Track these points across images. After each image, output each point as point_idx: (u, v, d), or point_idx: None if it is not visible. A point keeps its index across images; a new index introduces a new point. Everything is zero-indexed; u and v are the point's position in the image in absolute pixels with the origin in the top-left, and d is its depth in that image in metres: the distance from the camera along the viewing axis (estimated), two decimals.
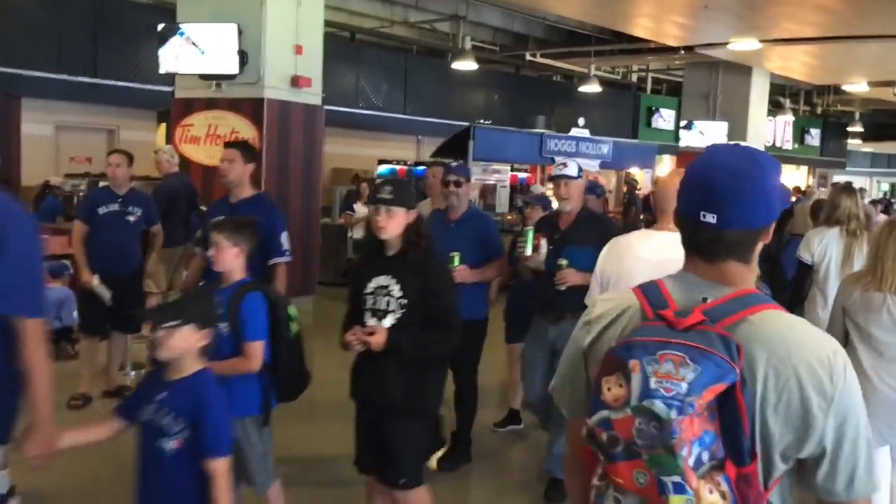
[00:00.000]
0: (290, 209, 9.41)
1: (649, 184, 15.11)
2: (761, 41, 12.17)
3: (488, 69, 18.95)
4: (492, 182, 12.99)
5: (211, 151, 9.62)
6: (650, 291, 1.49)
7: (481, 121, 17.29)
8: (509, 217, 12.90)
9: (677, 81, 22.28)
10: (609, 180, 16.63)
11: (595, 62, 17.98)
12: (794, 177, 26.16)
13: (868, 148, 31.02)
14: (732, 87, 18.05)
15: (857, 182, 30.81)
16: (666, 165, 22.06)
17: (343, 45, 15.67)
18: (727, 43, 12.51)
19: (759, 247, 1.50)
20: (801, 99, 24.46)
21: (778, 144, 22.92)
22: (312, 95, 9.82)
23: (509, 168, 13.45)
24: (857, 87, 17.11)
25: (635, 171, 16.31)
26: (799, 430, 1.35)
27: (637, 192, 14.10)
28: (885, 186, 34.72)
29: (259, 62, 9.23)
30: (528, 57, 18.12)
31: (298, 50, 9.51)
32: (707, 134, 18.17)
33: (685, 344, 1.30)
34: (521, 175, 15.64)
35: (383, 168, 13.75)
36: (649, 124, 22.45)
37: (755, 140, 18.28)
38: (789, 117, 22.75)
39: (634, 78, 22.99)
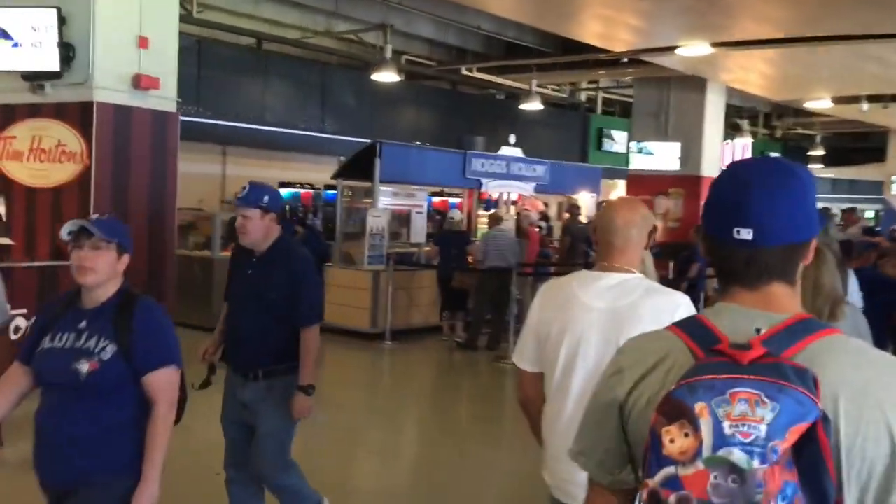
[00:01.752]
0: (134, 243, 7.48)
1: (594, 211, 13.42)
2: (714, 45, 10.60)
3: (421, 85, 17.36)
4: (404, 207, 11.18)
5: (36, 169, 7.74)
6: (693, 328, 1.33)
7: (419, 143, 15.73)
8: (426, 249, 11.08)
9: (630, 102, 20.83)
10: (550, 207, 14.95)
11: (537, 77, 16.45)
12: None
13: (829, 173, 30.11)
14: (685, 106, 16.51)
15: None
16: (619, 191, 20.63)
17: (248, 54, 13.88)
18: (677, 47, 10.91)
19: (801, 268, 1.35)
20: (759, 121, 23.30)
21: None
22: (162, 100, 7.95)
23: (426, 192, 11.68)
24: (821, 103, 15.73)
25: (584, 197, 14.61)
26: (890, 468, 1.19)
27: (578, 219, 12.37)
28: (870, 213, 33.59)
29: (88, 57, 7.36)
30: (464, 71, 16.48)
31: (142, 43, 7.65)
32: (658, 155, 16.62)
33: (758, 379, 1.15)
34: (453, 200, 13.86)
35: (284, 192, 11.89)
36: (600, 147, 21.02)
37: (709, 163, 16.73)
38: (747, 140, 21.40)
39: (584, 98, 21.54)
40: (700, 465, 1.12)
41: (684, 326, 1.35)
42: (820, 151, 23.52)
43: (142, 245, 7.77)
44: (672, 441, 1.16)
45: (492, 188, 11.95)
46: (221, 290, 8.81)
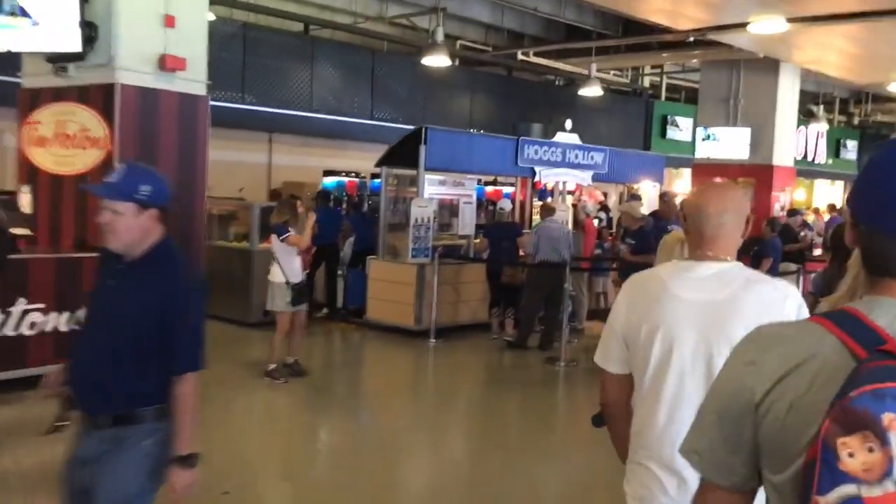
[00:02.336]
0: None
1: (655, 201, 12.56)
2: (790, 20, 9.70)
3: (475, 71, 16.71)
4: (452, 197, 10.55)
5: (60, 156, 7.40)
6: (849, 323, 1.15)
7: (473, 130, 15.11)
8: (476, 241, 10.45)
9: (695, 87, 19.83)
10: (610, 198, 14.16)
11: (597, 61, 15.64)
12: (828, 193, 23.75)
13: None
14: (756, 90, 15.53)
15: None
16: (685, 181, 19.67)
17: (295, 39, 13.42)
18: (748, 24, 10.02)
19: None
20: (835, 108, 22.09)
21: (810, 158, 20.41)
22: (191, 82, 7.50)
23: (476, 181, 11.02)
24: None
25: (647, 187, 13.76)
26: None
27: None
28: None
29: (110, 37, 6.94)
30: (521, 56, 15.80)
31: (169, 21, 7.22)
32: (726, 143, 15.69)
33: None
34: (506, 190, 13.17)
35: (329, 181, 11.40)
36: (664, 135, 20.08)
37: (783, 151, 15.74)
38: (823, 127, 20.26)
39: (647, 84, 20.60)
40: (890, 487, 1.00)
41: (838, 320, 1.17)
42: None
43: (172, 231, 7.35)
44: (852, 455, 1.02)
45: (546, 177, 11.23)
46: (261, 284, 8.51)
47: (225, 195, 11.40)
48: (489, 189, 13.54)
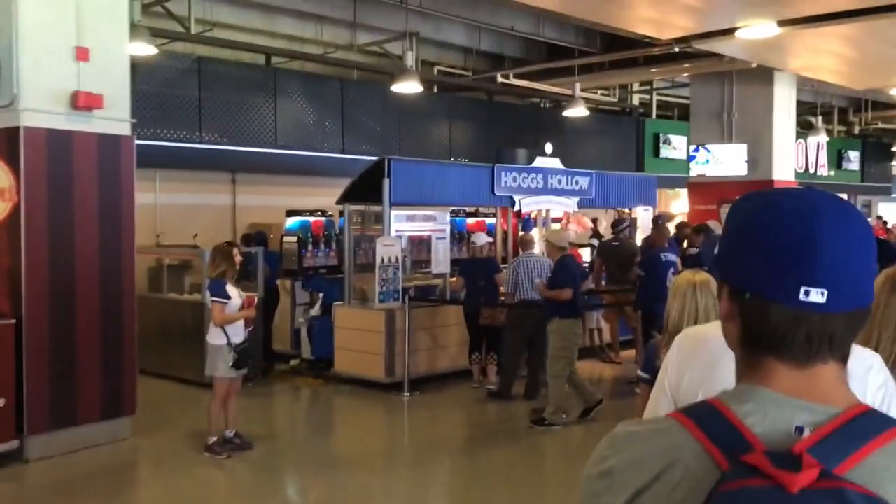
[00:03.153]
0: (79, 290, 6.29)
1: (648, 226, 11.69)
2: (780, 23, 8.88)
3: (453, 97, 15.93)
4: (423, 233, 9.66)
5: None
6: (710, 422, 0.96)
7: (452, 159, 14.27)
8: (452, 280, 9.54)
9: (688, 103, 19.04)
10: (600, 223, 13.26)
11: (581, 80, 14.87)
12: None
13: None
14: (751, 102, 14.73)
15: None
16: (683, 201, 18.81)
17: (256, 72, 12.64)
18: (737, 29, 9.20)
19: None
20: (834, 118, 21.30)
21: (811, 171, 19.57)
22: (111, 121, 6.68)
23: (450, 213, 10.13)
24: None
25: (639, 211, 12.86)
26: None
27: (620, 236, 10.56)
28: None
29: (12, 74, 6.13)
30: (500, 79, 15.01)
31: (81, 55, 6.41)
32: (721, 160, 14.86)
33: None
34: (490, 221, 12.29)
35: (292, 221, 10.52)
36: (657, 154, 19.22)
37: (783, 165, 14.89)
38: (823, 138, 19.48)
39: (637, 102, 19.81)
40: None
41: (698, 417, 0.97)
42: None
43: (94, 289, 6.50)
44: None
45: (527, 205, 10.36)
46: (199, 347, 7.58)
47: (182, 242, 10.55)
48: (470, 221, 12.64)
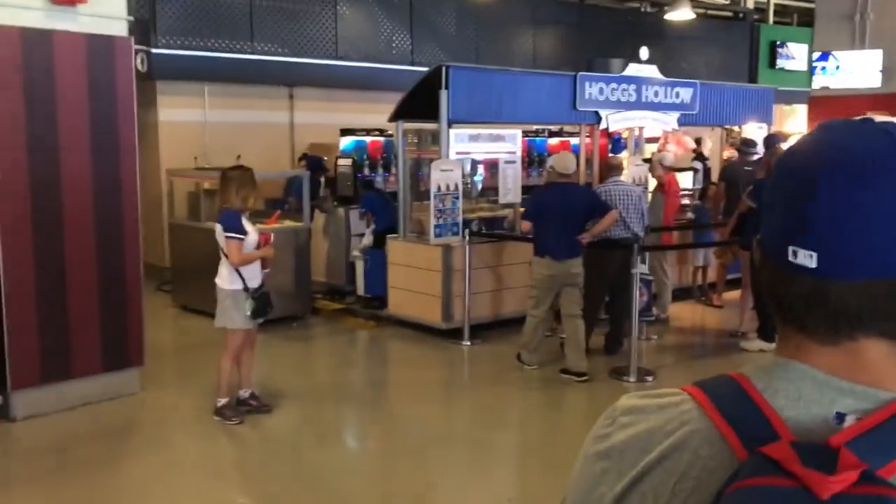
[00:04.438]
0: (68, 223, 5.34)
1: (762, 149, 9.96)
2: None
3: (539, 0, 14.20)
4: (490, 156, 8.29)
5: None
6: (729, 398, 0.80)
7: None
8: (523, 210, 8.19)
9: (809, 8, 16.71)
10: (705, 143, 11.52)
11: None
12: None
13: None
14: (891, 1, 12.46)
15: None
16: (800, 119, 16.70)
17: None
18: None
19: None
20: None
21: None
22: (101, 19, 5.55)
23: (519, 133, 8.66)
24: None
25: (752, 129, 11.05)
26: None
27: (746, 158, 8.84)
28: None
29: None
30: None
31: None
32: (851, 70, 12.76)
33: None
34: (574, 141, 10.78)
35: (347, 142, 9.33)
36: (772, 65, 17.04)
37: None
38: None
39: (751, 5, 17.53)
40: None
41: (715, 393, 0.81)
42: None
43: (87, 222, 5.53)
44: None
45: (615, 122, 8.81)
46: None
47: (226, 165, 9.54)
48: (553, 142, 11.16)
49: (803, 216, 0.78)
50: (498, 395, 6.34)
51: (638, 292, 6.54)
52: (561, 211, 6.39)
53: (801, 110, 16.20)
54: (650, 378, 6.45)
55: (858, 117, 0.85)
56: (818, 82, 13.33)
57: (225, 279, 5.40)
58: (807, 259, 0.78)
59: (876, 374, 0.78)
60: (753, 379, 0.81)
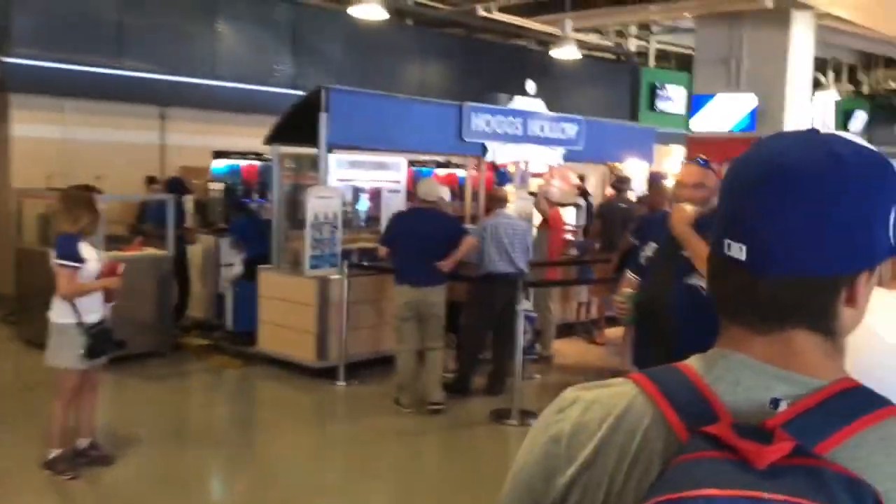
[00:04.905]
0: None
1: (643, 185, 10.03)
2: None
3: (429, 33, 14.06)
4: (371, 184, 7.93)
5: None
6: (673, 385, 0.87)
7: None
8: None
9: (688, 54, 17.34)
10: (588, 180, 11.55)
11: (573, 17, 13.04)
12: None
13: None
14: (763, 48, 12.97)
15: None
16: (675, 158, 17.17)
17: None
18: None
19: (844, 311, 0.86)
20: (843, 76, 19.78)
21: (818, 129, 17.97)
22: None
23: (405, 161, 8.33)
24: None
25: (634, 167, 11.15)
26: None
27: (624, 196, 8.84)
28: None
29: None
30: (481, 11, 13.17)
31: None
32: (727, 112, 13.16)
33: (787, 500, 0.71)
34: (462, 174, 10.56)
35: (220, 164, 8.76)
36: (652, 106, 17.48)
37: (796, 122, 13.18)
38: (832, 96, 17.99)
39: (633, 48, 18.02)
40: None
41: (660, 380, 0.87)
42: None
43: None
44: None
45: (502, 155, 8.63)
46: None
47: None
48: (440, 172, 10.92)
49: (738, 212, 0.85)
50: (372, 442, 5.89)
51: (522, 329, 6.29)
52: (420, 236, 6.14)
53: (677, 150, 16.67)
54: (533, 422, 6.16)
55: (805, 128, 0.91)
56: (697, 124, 13.70)
57: (55, 311, 4.77)
58: (738, 251, 0.84)
59: (808, 364, 0.85)
60: (697, 367, 0.87)
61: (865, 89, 21.75)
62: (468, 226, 7.63)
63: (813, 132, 0.90)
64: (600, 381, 0.93)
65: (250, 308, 7.52)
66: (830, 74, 17.93)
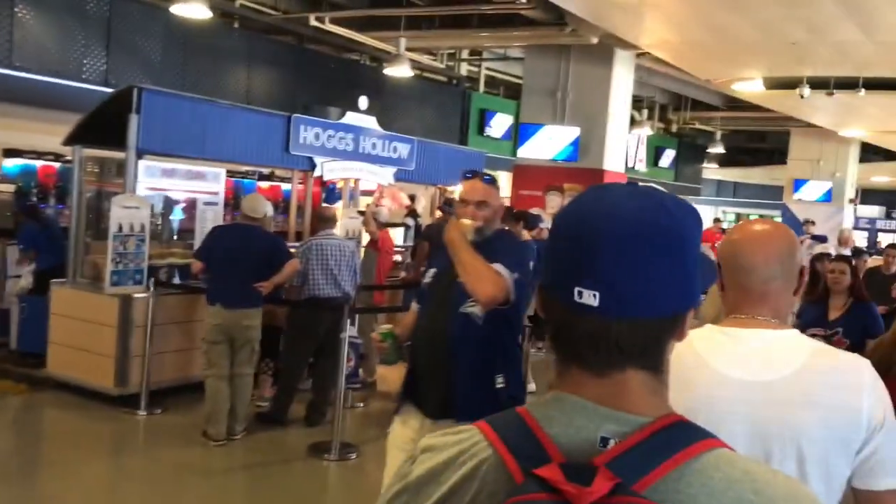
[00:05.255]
0: None
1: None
2: None
3: (257, 38, 13.45)
4: (185, 195, 7.33)
5: None
6: (510, 428, 0.92)
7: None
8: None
9: (516, 83, 17.76)
10: (419, 200, 11.41)
11: (407, 37, 12.98)
12: None
13: (716, 175, 28.74)
14: (587, 82, 13.47)
15: (707, 212, 28.81)
16: (502, 184, 17.50)
17: None
18: None
19: (671, 346, 0.96)
20: (655, 114, 21.07)
21: (630, 164, 18.97)
22: None
23: (223, 172, 7.78)
24: (751, 85, 12.90)
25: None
26: None
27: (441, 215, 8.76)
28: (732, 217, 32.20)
29: None
30: (314, 21, 12.80)
31: None
32: (552, 142, 13.54)
33: None
34: (286, 187, 10.05)
35: (12, 164, 7.81)
36: (481, 132, 17.70)
37: (616, 157, 13.81)
38: (646, 132, 19.13)
39: (464, 73, 18.23)
40: None
41: (498, 424, 0.93)
42: (719, 150, 21.28)
43: None
44: None
45: (331, 171, 8.26)
46: None
47: None
48: (263, 185, 10.39)
49: (587, 263, 0.90)
50: (175, 479, 5.31)
51: (346, 357, 5.94)
52: (239, 254, 5.69)
53: (505, 176, 16.97)
54: (353, 455, 5.82)
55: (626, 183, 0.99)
56: (521, 152, 13.97)
57: None
58: (590, 298, 0.89)
59: (635, 402, 0.91)
60: (533, 411, 0.92)
61: (674, 128, 23.25)
62: (291, 244, 7.20)
63: (634, 185, 0.96)
64: (451, 429, 0.96)
65: (40, 326, 6.68)
66: (644, 112, 18.94)
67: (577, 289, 0.89)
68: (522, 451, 0.87)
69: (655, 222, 0.91)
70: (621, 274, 0.88)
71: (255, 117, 7.68)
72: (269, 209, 6.15)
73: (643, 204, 0.92)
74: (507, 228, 3.87)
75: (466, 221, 3.03)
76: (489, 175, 3.27)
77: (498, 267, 2.92)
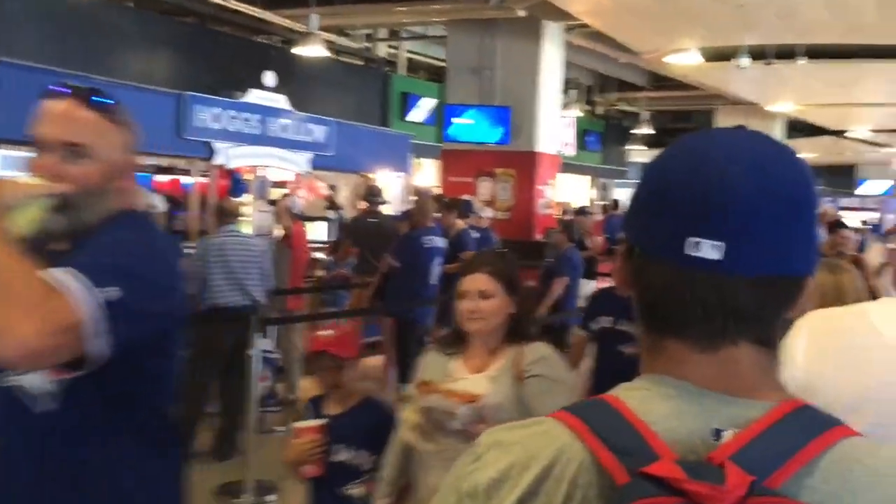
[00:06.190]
0: None
1: (403, 197, 9.07)
2: None
3: (154, 17, 12.18)
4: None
5: None
6: (602, 419, 0.78)
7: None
8: None
9: (439, 65, 16.89)
10: (340, 191, 10.39)
11: (320, 13, 11.86)
12: (575, 188, 22.16)
13: (643, 157, 28.60)
14: (515, 60, 12.71)
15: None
16: (428, 172, 16.56)
17: None
18: None
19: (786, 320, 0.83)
20: (583, 97, 20.65)
21: (559, 149, 18.39)
22: None
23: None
24: (687, 57, 12.31)
25: (388, 178, 10.16)
26: None
27: (376, 212, 7.70)
28: None
29: None
30: None
31: None
32: (480, 125, 12.74)
33: None
34: (187, 180, 8.90)
35: None
36: (403, 115, 16.74)
37: (546, 136, 13.09)
38: (574, 114, 18.60)
39: (383, 54, 17.25)
40: None
41: (586, 415, 0.79)
42: (648, 130, 20.88)
43: None
44: None
45: (235, 159, 7.19)
46: None
47: None
48: (161, 179, 9.22)
49: (714, 211, 0.77)
50: None
51: (258, 376, 4.95)
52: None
53: (428, 164, 16.07)
54: (273, 496, 4.83)
55: (734, 125, 0.88)
56: (451, 135, 13.10)
57: None
58: (710, 251, 0.77)
59: (748, 383, 0.79)
60: (626, 398, 0.79)
61: (600, 110, 22.89)
62: (189, 244, 6.13)
63: (755, 131, 0.86)
64: (518, 422, 0.84)
65: None
66: (572, 93, 18.39)
67: (692, 239, 0.76)
68: (620, 446, 0.74)
69: (792, 172, 0.80)
70: (755, 224, 0.76)
71: (139, 96, 6.60)
72: (156, 201, 5.09)
73: (780, 152, 0.81)
74: (145, 210, 2.00)
75: (31, 182, 1.57)
76: (102, 95, 1.70)
77: (60, 273, 1.37)
